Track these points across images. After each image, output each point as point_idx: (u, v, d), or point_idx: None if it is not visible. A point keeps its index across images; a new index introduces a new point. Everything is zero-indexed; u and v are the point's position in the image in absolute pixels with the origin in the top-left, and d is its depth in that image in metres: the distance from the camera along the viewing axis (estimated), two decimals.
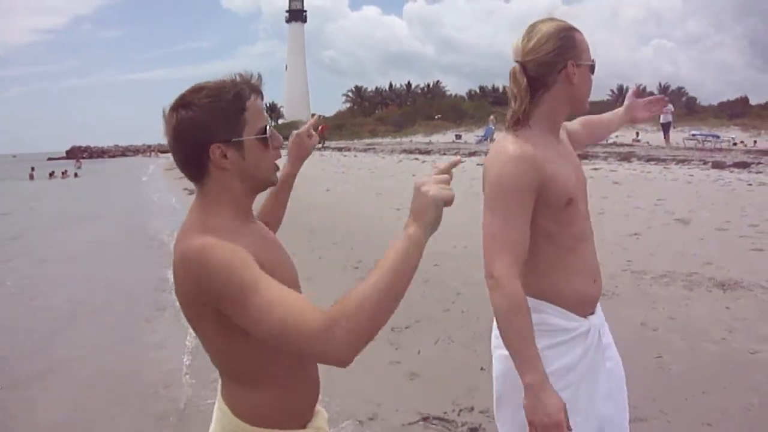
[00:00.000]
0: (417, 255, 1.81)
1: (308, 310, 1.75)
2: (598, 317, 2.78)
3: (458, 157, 1.90)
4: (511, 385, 2.53)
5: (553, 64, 2.55)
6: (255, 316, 1.77)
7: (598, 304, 2.81)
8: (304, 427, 2.16)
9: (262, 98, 2.05)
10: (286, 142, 2.38)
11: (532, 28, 2.58)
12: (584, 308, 2.68)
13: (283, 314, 1.74)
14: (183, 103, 1.95)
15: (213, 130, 1.94)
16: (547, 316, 2.59)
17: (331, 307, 1.76)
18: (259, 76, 2.06)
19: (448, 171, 1.88)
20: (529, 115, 2.58)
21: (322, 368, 2.42)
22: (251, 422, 2.05)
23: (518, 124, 2.57)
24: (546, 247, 2.59)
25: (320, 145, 56.60)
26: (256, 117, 1.99)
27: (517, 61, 2.57)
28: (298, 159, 2.80)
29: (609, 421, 2.73)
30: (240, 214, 2.05)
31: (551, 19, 2.62)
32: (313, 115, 4.40)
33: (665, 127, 35.62)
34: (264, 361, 2.02)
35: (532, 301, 2.50)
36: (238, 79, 2.00)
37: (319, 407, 2.27)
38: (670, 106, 34.92)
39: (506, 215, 2.47)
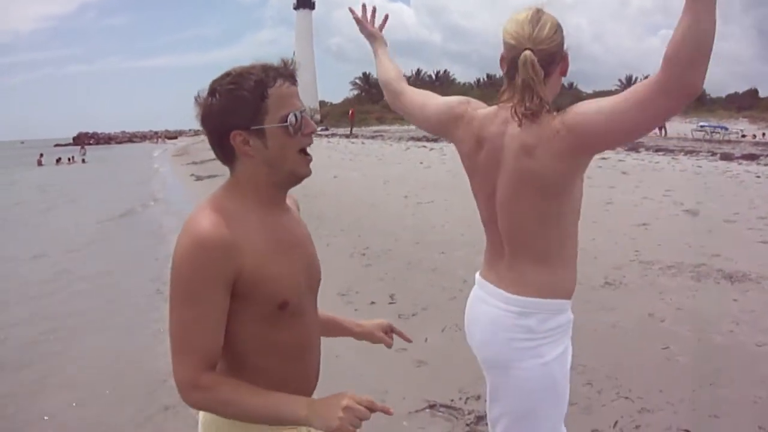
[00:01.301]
0: (284, 421, 1.91)
1: (193, 357, 1.91)
2: None
3: (391, 410, 1.85)
4: (542, 395, 2.60)
5: (557, 55, 2.52)
6: (170, 318, 1.94)
7: None
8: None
9: (294, 84, 2.02)
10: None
11: (538, 15, 2.51)
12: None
13: (173, 341, 1.93)
14: (210, 89, 1.98)
15: (233, 117, 1.95)
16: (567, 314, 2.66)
17: (208, 377, 1.91)
18: (293, 61, 2.04)
19: (372, 411, 1.86)
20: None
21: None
22: None
23: (536, 116, 2.45)
24: (569, 242, 2.63)
25: (349, 131, 56.69)
26: (280, 104, 1.96)
27: (528, 49, 2.45)
28: (363, 334, 2.74)
29: None
30: (264, 203, 2.04)
31: (541, 8, 2.56)
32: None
33: None
34: (252, 355, 2.04)
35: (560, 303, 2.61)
36: (268, 64, 1.99)
37: None
38: None
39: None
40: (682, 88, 2.12)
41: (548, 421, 2.64)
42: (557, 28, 2.51)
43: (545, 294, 2.56)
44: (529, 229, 2.56)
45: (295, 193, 2.29)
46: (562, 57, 2.55)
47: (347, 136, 47.37)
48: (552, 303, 2.56)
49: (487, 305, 2.68)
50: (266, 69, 1.98)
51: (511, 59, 2.52)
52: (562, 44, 2.53)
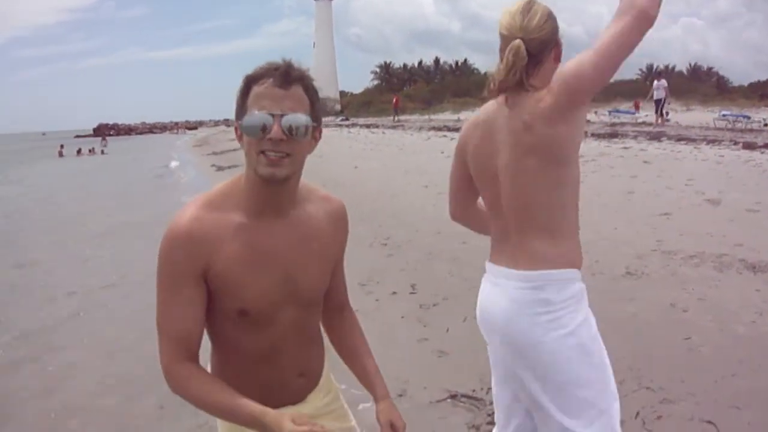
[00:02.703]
0: (241, 422, 1.96)
1: (168, 345, 2.02)
2: None
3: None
4: (577, 362, 2.63)
5: (549, 43, 2.61)
6: (159, 315, 2.04)
7: None
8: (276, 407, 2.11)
9: (285, 85, 1.96)
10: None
11: (529, 6, 2.60)
12: None
13: (158, 324, 2.04)
14: None
15: (235, 110, 2.01)
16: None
17: (183, 367, 2.00)
18: (289, 61, 2.01)
19: None
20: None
21: None
22: None
23: (519, 88, 2.56)
24: (572, 213, 2.69)
25: (395, 119, 56.63)
26: (254, 103, 1.96)
27: (519, 38, 2.55)
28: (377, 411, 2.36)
29: None
30: (257, 202, 2.05)
31: None
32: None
33: (657, 104, 34.38)
34: (225, 353, 2.16)
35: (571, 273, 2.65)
36: (274, 63, 2.00)
37: (307, 405, 2.30)
38: (663, 81, 34.29)
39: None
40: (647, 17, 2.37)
41: (591, 389, 2.65)
42: (548, 17, 2.60)
43: (557, 265, 2.62)
44: (535, 204, 2.63)
45: (317, 185, 2.30)
46: (555, 44, 2.64)
47: (393, 127, 47.08)
48: (564, 273, 2.62)
49: (503, 287, 2.71)
50: (265, 67, 1.99)
51: (502, 49, 2.61)
52: (555, 32, 2.63)
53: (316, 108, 2.04)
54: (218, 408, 1.96)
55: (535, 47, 2.55)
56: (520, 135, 2.57)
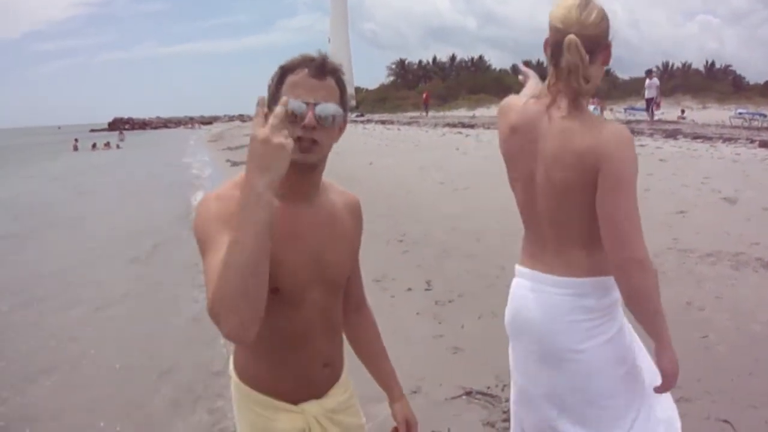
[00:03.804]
0: (255, 203, 1.72)
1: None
2: None
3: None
4: (611, 372, 2.63)
5: (602, 42, 2.53)
6: (204, 273, 1.88)
7: None
8: (296, 403, 2.22)
9: (320, 76, 2.03)
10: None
11: (586, 2, 2.51)
12: None
13: (207, 283, 1.82)
14: None
15: (269, 99, 2.03)
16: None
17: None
18: (324, 54, 2.06)
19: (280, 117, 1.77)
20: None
21: None
22: (252, 386, 2.24)
23: (580, 98, 2.51)
24: None
25: (424, 113, 56.66)
26: (289, 91, 2.00)
27: (573, 32, 2.46)
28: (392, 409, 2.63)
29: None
30: (284, 187, 2.00)
31: None
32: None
33: (648, 103, 34.14)
34: (261, 331, 2.06)
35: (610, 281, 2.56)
36: (309, 55, 2.05)
37: (329, 399, 2.32)
38: (655, 80, 34.10)
39: (635, 197, 2.46)
40: None
41: (619, 398, 2.64)
42: (604, 16, 2.52)
43: (595, 273, 2.57)
44: (574, 216, 2.56)
45: (334, 181, 2.32)
46: (606, 46, 2.55)
47: (408, 123, 47.02)
48: (603, 281, 2.57)
49: (542, 293, 2.67)
50: (300, 58, 2.06)
51: (555, 43, 2.52)
52: (607, 33, 2.54)
53: (345, 100, 2.12)
54: (238, 233, 1.75)
55: (588, 44, 2.46)
56: (563, 142, 2.50)
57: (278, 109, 1.75)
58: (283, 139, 1.73)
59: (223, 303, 1.72)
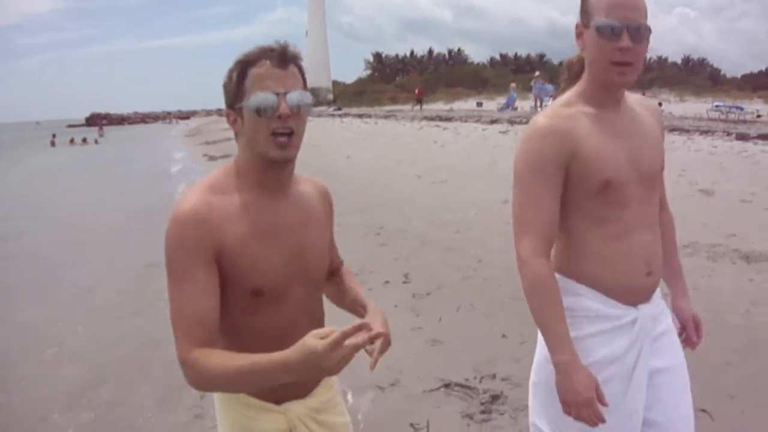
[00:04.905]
0: (283, 377, 1.81)
1: (183, 333, 1.92)
2: (653, 308, 2.59)
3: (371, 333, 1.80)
4: (546, 373, 2.41)
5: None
6: (171, 301, 1.96)
7: (656, 295, 2.63)
8: (279, 403, 2.20)
9: (283, 65, 2.00)
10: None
11: None
12: (631, 297, 2.47)
13: (172, 317, 1.95)
14: None
15: (225, 96, 2.04)
16: (585, 299, 2.42)
17: (199, 352, 1.88)
18: (284, 43, 2.03)
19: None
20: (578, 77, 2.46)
21: None
22: None
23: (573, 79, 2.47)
24: (588, 230, 2.41)
25: (418, 107, 56.59)
26: (255, 84, 1.97)
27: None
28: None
29: (656, 426, 2.56)
30: (258, 184, 2.08)
31: None
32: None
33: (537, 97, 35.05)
34: (237, 339, 2.08)
35: (570, 284, 2.42)
36: (265, 46, 2.02)
37: (313, 399, 2.30)
38: (543, 84, 34.67)
39: (529, 192, 2.34)
40: None
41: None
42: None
43: (568, 274, 2.49)
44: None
45: (308, 173, 2.29)
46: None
47: (386, 117, 46.90)
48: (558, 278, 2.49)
49: None
50: (258, 50, 2.01)
51: None
52: (581, 11, 2.39)
53: (307, 86, 2.09)
54: (242, 374, 1.82)
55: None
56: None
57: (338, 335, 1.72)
58: (339, 369, 1.77)
59: (207, 389, 1.98)
